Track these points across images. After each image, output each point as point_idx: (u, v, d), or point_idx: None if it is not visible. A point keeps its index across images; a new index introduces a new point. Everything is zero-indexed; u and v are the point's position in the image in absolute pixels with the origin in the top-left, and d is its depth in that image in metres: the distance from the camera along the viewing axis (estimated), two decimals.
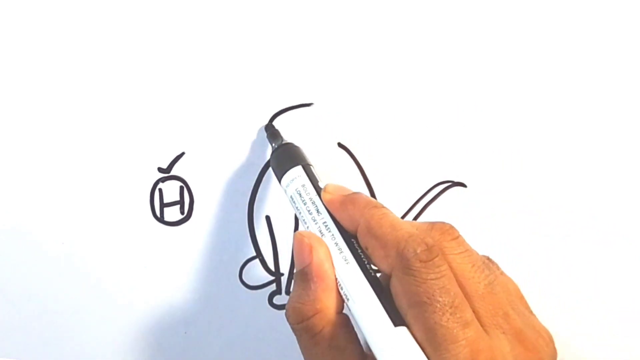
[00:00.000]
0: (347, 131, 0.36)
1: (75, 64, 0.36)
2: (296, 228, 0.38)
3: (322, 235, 0.28)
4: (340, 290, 0.26)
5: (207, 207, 0.38)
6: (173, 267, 0.38)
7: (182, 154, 0.37)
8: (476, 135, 0.36)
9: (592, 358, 0.38)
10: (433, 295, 0.23)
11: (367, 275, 0.26)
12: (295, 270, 0.27)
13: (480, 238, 0.37)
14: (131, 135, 0.37)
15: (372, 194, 0.37)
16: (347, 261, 0.26)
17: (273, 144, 0.34)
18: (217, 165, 0.37)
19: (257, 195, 0.37)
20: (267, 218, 0.38)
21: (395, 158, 0.37)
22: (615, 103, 0.36)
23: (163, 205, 0.38)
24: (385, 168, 0.37)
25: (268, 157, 0.37)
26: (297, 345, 0.38)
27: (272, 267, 0.38)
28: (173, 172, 0.37)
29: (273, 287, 0.38)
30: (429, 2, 0.35)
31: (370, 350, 0.25)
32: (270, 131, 0.35)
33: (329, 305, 0.26)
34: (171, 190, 0.37)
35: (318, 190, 0.30)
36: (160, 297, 0.39)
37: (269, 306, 0.38)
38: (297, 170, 0.31)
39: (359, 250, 0.27)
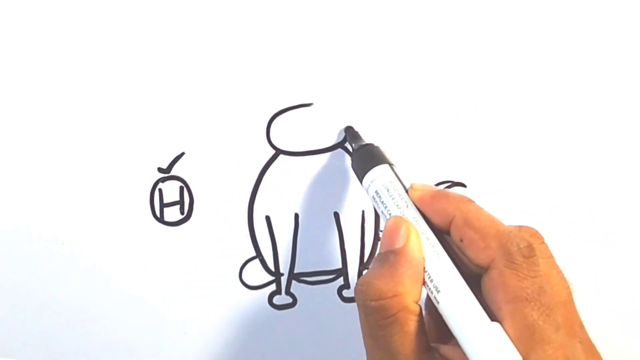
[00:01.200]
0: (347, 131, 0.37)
1: (76, 64, 0.36)
2: (296, 228, 0.38)
3: None
4: (428, 282, 0.26)
5: (207, 207, 0.38)
6: (173, 267, 0.38)
7: (182, 154, 0.37)
8: (476, 135, 0.36)
9: None
10: (533, 293, 0.23)
11: (459, 269, 0.26)
12: (380, 251, 0.27)
13: None
14: (131, 135, 0.37)
15: None
16: (438, 255, 0.26)
17: (353, 145, 0.35)
18: (217, 165, 0.37)
19: (257, 195, 0.37)
20: (267, 218, 0.38)
21: (395, 158, 0.37)
22: (615, 103, 0.36)
23: (163, 205, 0.38)
24: None
25: (268, 157, 0.37)
26: (298, 345, 0.38)
27: (272, 267, 0.38)
28: (173, 172, 0.37)
29: (273, 287, 0.38)
30: (429, 2, 0.35)
31: (438, 342, 0.26)
32: (351, 133, 0.36)
33: (411, 292, 0.25)
34: (171, 190, 0.37)
35: (405, 188, 0.30)
36: (160, 297, 0.39)
37: (269, 306, 0.39)
38: (384, 168, 0.31)
39: (450, 247, 0.27)
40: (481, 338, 0.23)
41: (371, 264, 0.27)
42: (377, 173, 0.31)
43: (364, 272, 0.38)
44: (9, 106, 0.37)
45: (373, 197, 0.31)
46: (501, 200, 0.37)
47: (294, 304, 0.39)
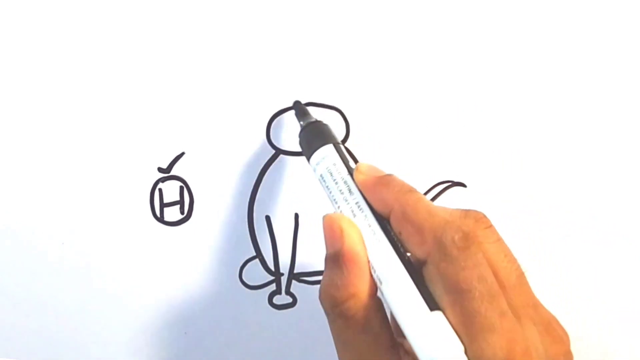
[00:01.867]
0: (347, 131, 0.36)
1: (76, 65, 0.36)
2: (296, 228, 0.38)
3: (354, 216, 0.27)
4: (372, 273, 0.25)
5: (207, 207, 0.38)
6: (173, 267, 0.38)
7: (182, 154, 0.37)
8: (476, 135, 0.36)
9: (593, 358, 0.38)
10: (471, 283, 0.23)
11: (401, 259, 0.25)
12: (326, 254, 0.27)
13: None
14: (131, 135, 0.37)
15: None
16: (380, 243, 0.25)
17: (301, 122, 0.32)
18: (217, 165, 0.37)
19: (257, 195, 0.37)
20: (267, 218, 0.38)
21: (395, 158, 0.37)
22: (615, 103, 0.36)
23: (163, 205, 0.38)
24: (385, 168, 0.37)
25: (268, 157, 0.37)
26: (297, 345, 0.38)
27: (272, 267, 0.38)
28: (173, 172, 0.37)
29: (273, 287, 0.38)
30: (429, 2, 0.35)
31: (400, 336, 0.25)
32: (299, 108, 0.34)
33: (363, 290, 0.25)
34: (171, 190, 0.37)
35: (350, 169, 0.28)
36: (160, 297, 0.39)
37: (269, 306, 0.38)
38: (328, 149, 0.29)
39: (392, 233, 0.26)
40: (421, 327, 0.23)
41: (325, 266, 0.27)
42: (321, 155, 0.29)
43: None
44: (9, 106, 0.37)
45: (319, 180, 0.29)
46: (501, 200, 0.37)
47: (294, 304, 0.39)
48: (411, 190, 0.26)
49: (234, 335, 0.39)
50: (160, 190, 0.38)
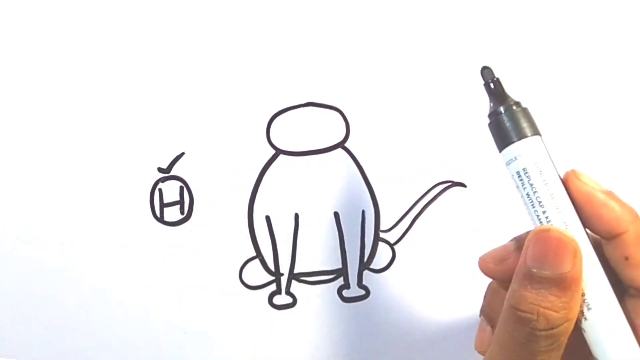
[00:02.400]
0: (347, 131, 0.36)
1: (76, 65, 0.36)
2: (296, 228, 0.38)
3: (566, 228, 0.24)
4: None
5: (207, 207, 0.38)
6: (173, 267, 0.38)
7: (182, 154, 0.37)
8: (476, 135, 0.36)
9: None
10: None
11: (613, 288, 0.24)
12: (541, 271, 0.24)
13: (480, 238, 0.37)
14: (131, 135, 0.37)
15: (372, 194, 0.37)
16: (594, 265, 0.24)
17: (492, 104, 0.27)
18: (217, 165, 0.37)
19: (257, 195, 0.37)
20: (267, 218, 0.38)
21: (395, 158, 0.37)
22: (616, 103, 0.36)
23: (163, 205, 0.38)
24: (385, 168, 0.37)
25: (268, 157, 0.37)
26: (298, 345, 0.38)
27: (272, 267, 0.38)
28: (173, 172, 0.37)
29: (273, 287, 0.38)
30: (428, 2, 0.35)
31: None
32: (495, 84, 0.27)
33: (576, 314, 0.24)
34: (171, 190, 0.37)
35: (558, 174, 0.25)
36: (160, 297, 0.39)
37: (269, 306, 0.38)
38: (537, 141, 0.25)
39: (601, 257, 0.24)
40: None
41: (527, 283, 0.24)
42: (527, 146, 0.25)
43: (370, 272, 0.38)
44: (9, 106, 0.37)
45: (516, 176, 0.25)
46: (501, 200, 0.37)
47: (294, 304, 0.38)
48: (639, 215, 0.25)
49: (234, 335, 0.39)
50: (160, 190, 0.37)
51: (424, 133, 0.36)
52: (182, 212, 0.38)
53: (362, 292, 0.37)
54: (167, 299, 0.39)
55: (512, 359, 0.24)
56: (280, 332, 0.39)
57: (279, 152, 0.37)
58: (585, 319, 0.24)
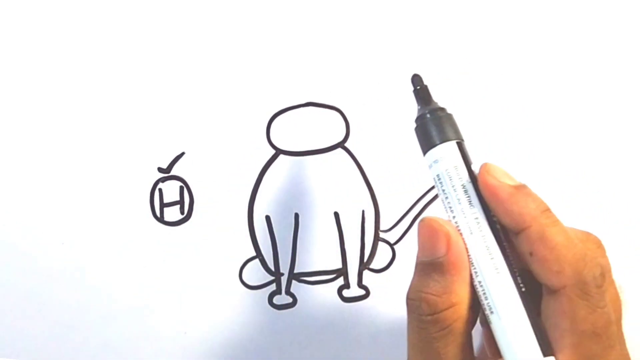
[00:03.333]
0: (347, 131, 0.36)
1: (76, 65, 0.36)
2: (296, 228, 0.38)
3: (470, 233, 0.25)
4: (482, 298, 0.24)
5: (207, 207, 0.38)
6: (173, 267, 0.38)
7: (182, 154, 0.37)
8: (476, 135, 0.36)
9: None
10: (603, 327, 0.22)
11: (518, 290, 0.24)
12: (422, 259, 0.25)
13: None
14: (131, 135, 0.37)
15: (372, 194, 0.37)
16: (497, 270, 0.24)
17: (420, 107, 0.28)
18: (217, 165, 0.37)
19: (257, 195, 0.37)
20: (267, 218, 0.38)
21: (395, 158, 0.37)
22: (615, 103, 0.36)
23: (163, 205, 0.38)
24: (385, 168, 0.37)
25: (268, 157, 0.37)
26: (298, 345, 0.38)
27: (272, 267, 0.38)
28: (173, 172, 0.37)
29: (273, 287, 0.38)
30: (428, 2, 0.35)
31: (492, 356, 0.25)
32: (421, 89, 0.28)
33: (464, 300, 0.24)
34: (171, 190, 0.37)
35: (473, 176, 0.26)
36: (160, 297, 0.39)
37: (269, 306, 0.38)
38: (450, 147, 0.26)
39: (510, 259, 0.24)
40: None
41: (415, 272, 0.25)
42: (440, 153, 0.26)
43: (363, 272, 0.38)
44: (9, 106, 0.37)
45: (434, 180, 0.26)
46: None
47: (294, 304, 0.39)
48: (548, 210, 0.25)
49: (234, 335, 0.39)
50: (160, 190, 0.37)
51: None
52: (182, 212, 0.38)
53: (362, 292, 0.37)
54: (167, 299, 0.39)
55: (415, 349, 0.25)
56: (280, 332, 0.39)
57: (279, 152, 0.37)
58: (490, 322, 0.24)
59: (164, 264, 0.38)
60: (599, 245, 0.25)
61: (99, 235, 0.38)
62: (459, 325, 0.24)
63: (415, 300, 0.25)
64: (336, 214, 0.37)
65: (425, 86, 0.28)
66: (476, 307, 0.25)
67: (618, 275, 0.24)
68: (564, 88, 0.36)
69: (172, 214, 0.38)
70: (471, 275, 0.24)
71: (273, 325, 0.39)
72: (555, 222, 0.24)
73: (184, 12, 0.36)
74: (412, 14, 0.35)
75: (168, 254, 0.38)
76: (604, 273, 0.23)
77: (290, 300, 0.38)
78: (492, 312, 0.24)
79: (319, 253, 0.38)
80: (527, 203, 0.24)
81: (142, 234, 0.38)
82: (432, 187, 0.37)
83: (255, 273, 0.38)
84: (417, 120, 0.28)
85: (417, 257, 0.25)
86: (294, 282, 0.38)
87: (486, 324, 0.25)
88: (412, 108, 0.36)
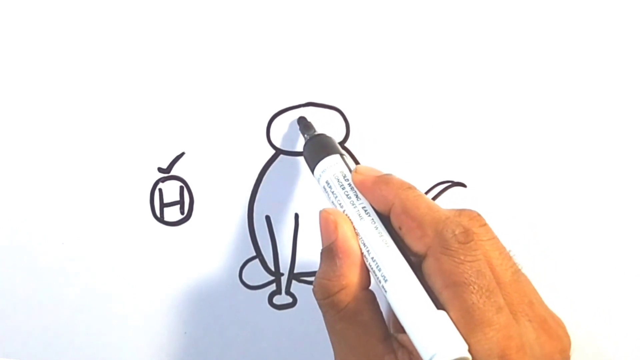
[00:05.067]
0: (347, 131, 0.36)
1: (76, 64, 0.36)
2: (296, 228, 0.38)
3: (361, 219, 0.27)
4: (376, 271, 0.26)
5: (207, 207, 0.38)
6: (173, 267, 0.38)
7: (182, 154, 0.37)
8: (476, 135, 0.36)
9: (592, 357, 0.38)
10: (470, 277, 0.23)
11: (406, 259, 0.26)
12: (321, 247, 0.27)
13: None
14: (131, 135, 0.37)
15: None
16: (387, 244, 0.26)
17: (306, 135, 0.34)
18: (217, 165, 0.37)
19: (257, 195, 0.37)
20: (267, 218, 0.38)
21: (395, 158, 0.37)
22: (615, 103, 0.36)
23: (163, 205, 0.38)
24: (385, 168, 0.37)
25: (268, 157, 0.37)
26: (298, 345, 0.38)
27: (272, 267, 0.38)
28: (173, 172, 0.37)
29: (273, 287, 0.38)
30: (428, 2, 0.35)
31: (396, 330, 0.25)
32: (303, 123, 0.35)
33: (355, 281, 0.26)
34: (171, 190, 0.37)
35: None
36: (160, 297, 0.39)
37: (269, 306, 0.38)
38: (335, 158, 0.31)
39: (395, 234, 0.27)
40: (427, 327, 0.23)
41: (320, 259, 0.27)
42: (328, 163, 0.31)
43: None
44: (9, 106, 0.37)
45: (324, 187, 0.30)
46: (501, 200, 0.37)
47: (294, 304, 0.39)
48: (410, 187, 0.27)
49: (234, 335, 0.39)
50: (160, 190, 0.38)
51: (424, 133, 0.36)
52: (182, 212, 0.38)
53: None
54: (167, 299, 0.39)
55: (329, 334, 0.27)
56: (280, 332, 0.39)
57: (279, 152, 0.37)
58: (385, 291, 0.25)
59: (164, 264, 0.38)
60: (472, 217, 0.26)
61: (99, 235, 0.38)
62: (354, 305, 0.26)
63: (314, 287, 0.27)
64: None
65: (309, 121, 0.35)
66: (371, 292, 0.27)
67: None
68: (563, 88, 0.36)
69: (172, 214, 0.38)
70: (362, 258, 0.27)
71: (273, 325, 0.39)
72: (417, 195, 0.26)
73: (183, 12, 0.36)
74: (412, 14, 0.35)
75: (168, 254, 0.38)
76: (468, 232, 0.24)
77: (290, 300, 0.38)
78: (386, 281, 0.25)
79: (319, 253, 0.38)
80: (388, 185, 0.27)
81: (142, 234, 0.38)
82: (432, 187, 0.37)
83: (255, 273, 0.38)
84: (305, 144, 0.34)
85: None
86: (294, 282, 0.38)
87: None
88: (412, 108, 0.36)
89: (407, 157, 0.37)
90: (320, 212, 0.28)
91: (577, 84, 0.36)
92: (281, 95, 0.36)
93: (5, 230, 0.38)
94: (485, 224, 0.26)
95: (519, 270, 0.25)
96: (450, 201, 0.37)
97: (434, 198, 0.37)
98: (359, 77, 0.36)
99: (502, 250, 0.25)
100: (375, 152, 0.37)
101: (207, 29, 0.36)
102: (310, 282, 0.38)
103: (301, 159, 0.37)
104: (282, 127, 0.36)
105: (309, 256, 0.38)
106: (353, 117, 0.36)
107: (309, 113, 0.36)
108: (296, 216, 0.38)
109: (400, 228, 0.26)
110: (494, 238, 0.26)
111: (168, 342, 0.39)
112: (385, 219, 0.27)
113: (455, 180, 0.37)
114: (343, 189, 0.29)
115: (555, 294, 0.37)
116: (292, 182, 0.37)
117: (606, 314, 0.37)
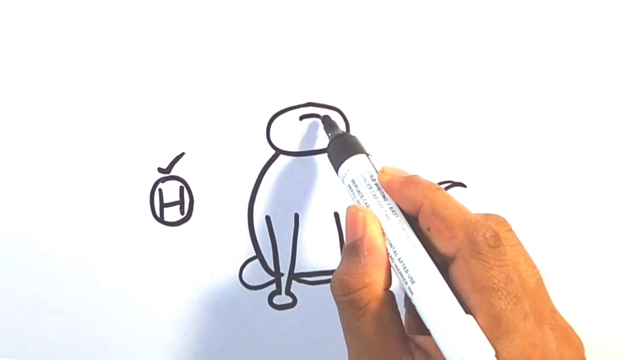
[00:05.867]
0: (347, 131, 0.36)
1: (76, 64, 0.36)
2: (296, 228, 0.38)
3: (388, 219, 0.27)
4: (403, 272, 0.26)
5: (207, 207, 0.38)
6: (173, 267, 0.38)
7: (182, 154, 0.37)
8: (476, 135, 0.36)
9: (592, 358, 0.38)
10: (499, 282, 0.23)
11: (434, 261, 0.25)
12: (345, 243, 0.27)
13: None
14: (131, 135, 0.37)
15: None
16: (415, 246, 0.26)
17: (330, 134, 0.34)
18: (217, 165, 0.37)
19: (257, 195, 0.37)
20: (267, 218, 0.38)
21: (395, 158, 0.37)
22: (615, 103, 0.36)
23: (163, 205, 0.38)
24: None
25: (268, 157, 0.37)
26: (298, 345, 0.38)
27: (272, 267, 0.38)
28: (173, 172, 0.37)
29: (273, 287, 0.38)
30: (429, 2, 0.35)
31: (411, 332, 0.25)
32: (328, 122, 0.35)
33: (378, 281, 0.26)
34: (171, 190, 0.37)
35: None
36: (160, 297, 0.39)
37: (269, 306, 0.38)
38: (361, 158, 0.30)
39: (422, 236, 0.26)
40: (454, 332, 0.23)
41: (342, 255, 0.27)
42: (354, 162, 0.30)
43: None
44: (9, 106, 0.37)
45: (349, 186, 0.30)
46: (501, 200, 0.37)
47: (294, 304, 0.39)
48: (439, 188, 0.27)
49: (234, 335, 0.39)
50: (160, 190, 0.38)
51: (424, 133, 0.36)
52: (182, 212, 0.38)
53: None
54: (167, 299, 0.39)
55: (344, 331, 0.26)
56: (280, 332, 0.39)
57: (279, 152, 0.37)
58: (412, 293, 0.25)
59: (164, 264, 0.38)
60: (499, 221, 0.26)
61: (99, 235, 0.38)
62: (375, 304, 0.25)
63: (334, 282, 0.26)
64: (336, 214, 0.37)
65: (333, 120, 0.35)
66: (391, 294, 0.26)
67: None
68: (563, 89, 0.36)
69: (172, 214, 0.38)
70: (388, 259, 0.26)
71: (273, 325, 0.39)
72: (446, 196, 0.26)
73: (184, 12, 0.36)
74: (412, 14, 0.35)
75: (168, 254, 0.38)
76: (498, 236, 0.24)
77: (290, 300, 0.38)
78: (413, 282, 0.25)
79: (319, 253, 0.38)
80: (417, 186, 0.27)
81: (142, 234, 0.38)
82: None
83: (255, 273, 0.38)
84: (329, 143, 0.33)
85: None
86: (294, 282, 0.38)
87: (408, 305, 0.26)
88: (412, 108, 0.36)
89: (407, 157, 0.37)
90: (349, 208, 0.27)
91: (576, 85, 0.36)
92: (281, 95, 0.36)
93: (5, 230, 0.38)
94: (511, 230, 0.26)
95: (542, 278, 0.25)
96: None
97: None
98: (359, 77, 0.36)
99: (527, 256, 0.25)
100: (376, 152, 0.37)
101: (207, 29, 0.36)
102: (310, 282, 0.38)
103: (301, 159, 0.37)
104: (282, 127, 0.36)
105: (309, 256, 0.38)
106: (353, 117, 0.36)
107: (309, 113, 0.36)
108: (296, 216, 0.38)
109: (428, 229, 0.26)
110: (520, 244, 0.26)
111: (168, 342, 0.39)
112: (412, 221, 0.27)
113: (455, 180, 0.37)
114: (370, 188, 0.29)
115: (555, 294, 0.37)
116: (292, 182, 0.37)
117: (606, 314, 0.37)
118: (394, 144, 0.36)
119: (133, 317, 0.39)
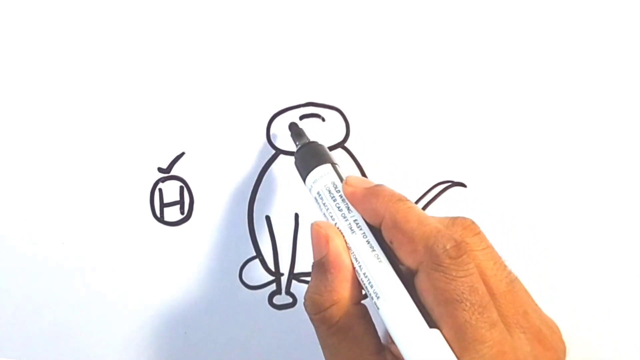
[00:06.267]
0: (347, 131, 0.36)
1: (76, 65, 0.36)
2: (296, 228, 0.38)
3: (352, 232, 0.27)
4: (368, 287, 0.26)
5: (207, 207, 0.38)
6: (173, 267, 0.38)
7: (182, 154, 0.37)
8: (476, 135, 0.36)
9: (592, 357, 0.38)
10: (463, 294, 0.23)
11: (398, 275, 0.25)
12: (313, 261, 0.27)
13: None
14: (131, 135, 0.37)
15: None
16: (379, 259, 0.26)
17: (297, 143, 0.33)
18: (217, 165, 0.37)
19: (257, 195, 0.37)
20: (267, 218, 0.38)
21: (395, 158, 0.37)
22: (615, 103, 0.36)
23: (163, 205, 0.38)
24: (385, 168, 0.37)
25: (268, 157, 0.37)
26: (297, 345, 0.38)
27: (272, 267, 0.38)
28: (173, 172, 0.37)
29: (273, 287, 0.38)
30: (429, 2, 0.35)
31: (390, 342, 0.25)
32: (295, 130, 0.34)
33: (346, 296, 0.26)
34: (171, 190, 0.37)
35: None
36: (160, 297, 0.39)
37: (269, 306, 0.38)
38: (326, 168, 0.30)
39: (387, 249, 0.26)
40: (420, 345, 0.23)
41: (311, 273, 0.27)
42: (319, 174, 0.30)
43: None
44: (9, 106, 0.37)
45: (315, 198, 0.30)
46: (501, 200, 0.37)
47: (294, 304, 0.39)
48: (401, 199, 0.26)
49: (234, 335, 0.39)
50: (160, 190, 0.38)
51: (424, 133, 0.36)
52: (182, 212, 0.38)
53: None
54: (167, 298, 0.39)
55: (322, 349, 0.26)
56: (280, 332, 0.39)
57: (279, 152, 0.37)
58: (377, 308, 0.25)
59: (164, 264, 0.38)
60: (465, 226, 0.25)
61: (99, 235, 0.38)
62: (346, 320, 0.25)
63: (305, 302, 0.26)
64: None
65: (300, 128, 0.34)
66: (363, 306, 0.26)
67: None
68: (563, 89, 0.36)
69: (172, 214, 0.38)
70: (354, 273, 0.26)
71: (273, 325, 0.39)
72: (409, 208, 0.25)
73: (183, 12, 0.36)
74: (412, 14, 0.35)
75: (168, 254, 0.38)
76: (460, 246, 0.23)
77: (290, 300, 0.38)
78: (378, 298, 0.25)
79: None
80: (379, 197, 0.26)
81: (142, 234, 0.38)
82: (432, 187, 0.37)
83: (255, 273, 0.38)
84: (296, 153, 0.32)
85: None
86: (294, 282, 0.38)
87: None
88: (412, 108, 0.36)
89: (407, 157, 0.37)
90: (312, 225, 0.27)
91: (576, 85, 0.36)
92: (281, 95, 0.36)
93: (5, 230, 0.38)
94: (480, 232, 0.25)
95: (515, 279, 0.25)
96: (450, 201, 0.37)
97: (434, 198, 0.37)
98: (359, 77, 0.36)
99: (496, 259, 0.25)
100: (375, 152, 0.37)
101: (207, 30, 0.36)
102: None
103: None
104: (282, 127, 0.36)
105: (309, 256, 0.38)
106: (353, 117, 0.36)
107: (309, 113, 0.36)
108: (296, 216, 0.38)
109: (391, 242, 0.25)
110: (489, 247, 0.25)
111: (168, 342, 0.39)
112: (377, 232, 0.27)
113: (455, 180, 0.37)
114: (334, 200, 0.28)
115: (555, 295, 0.37)
116: (292, 182, 0.37)
117: (606, 314, 0.37)
118: (394, 144, 0.36)
119: (133, 316, 0.39)
